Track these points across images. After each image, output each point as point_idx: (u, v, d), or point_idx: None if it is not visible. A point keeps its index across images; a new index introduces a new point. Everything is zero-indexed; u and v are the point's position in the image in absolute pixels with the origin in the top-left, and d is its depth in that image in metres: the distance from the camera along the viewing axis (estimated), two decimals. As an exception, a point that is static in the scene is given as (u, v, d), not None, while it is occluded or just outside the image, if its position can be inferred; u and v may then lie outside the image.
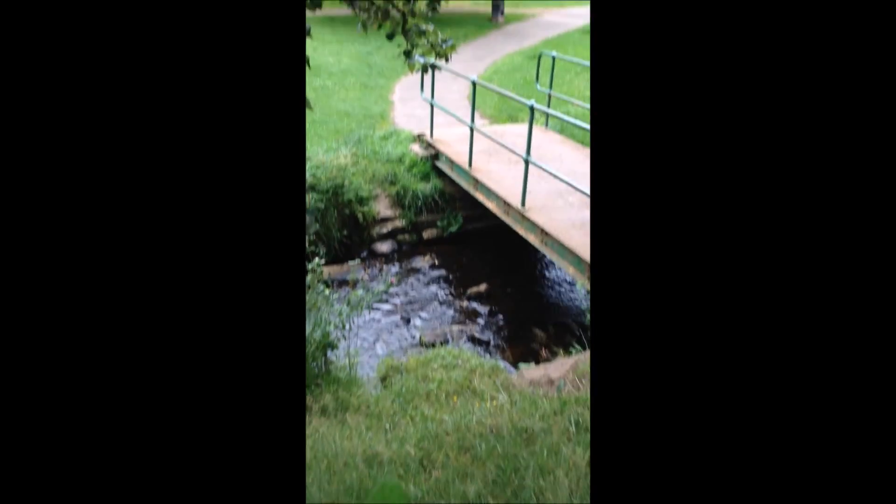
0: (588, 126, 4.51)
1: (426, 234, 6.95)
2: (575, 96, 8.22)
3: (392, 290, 5.98)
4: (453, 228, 6.95)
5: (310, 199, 6.28)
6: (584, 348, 4.29)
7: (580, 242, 4.64)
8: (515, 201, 5.32)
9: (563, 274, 6.29)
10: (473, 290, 6.00)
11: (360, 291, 4.16)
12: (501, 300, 5.92)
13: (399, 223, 6.86)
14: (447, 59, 2.57)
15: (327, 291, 3.99)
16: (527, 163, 5.10)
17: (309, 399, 3.47)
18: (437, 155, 6.92)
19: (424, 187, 6.89)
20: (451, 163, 6.52)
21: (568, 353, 4.32)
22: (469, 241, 6.91)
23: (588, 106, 7.03)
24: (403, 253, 6.78)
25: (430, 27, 2.41)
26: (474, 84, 6.10)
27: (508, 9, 15.32)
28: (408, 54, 2.48)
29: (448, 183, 6.88)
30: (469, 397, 3.55)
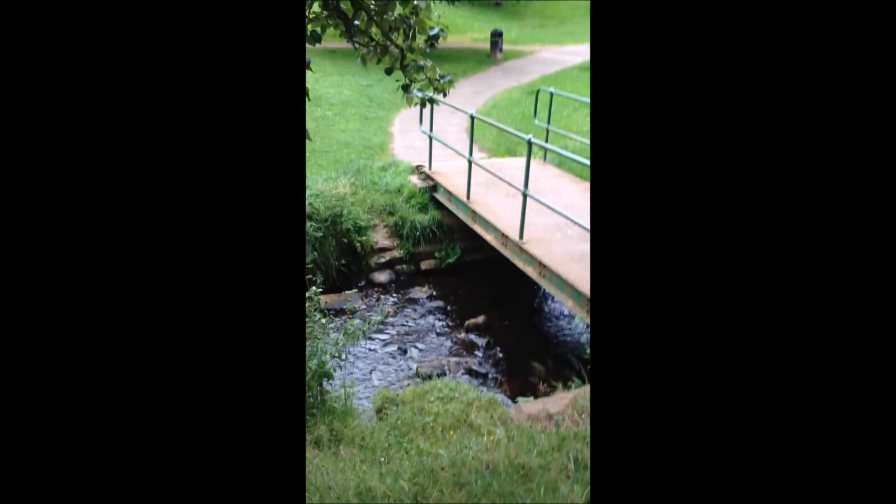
0: (586, 160, 4.56)
1: (424, 265, 6.95)
2: (572, 131, 8.32)
3: (389, 320, 5.94)
4: (451, 259, 6.96)
5: (308, 227, 6.30)
6: (583, 382, 4.24)
7: (579, 275, 4.64)
8: (513, 234, 5.34)
9: (561, 307, 6.27)
10: (471, 321, 5.96)
11: (356, 321, 4.14)
12: (499, 332, 5.89)
13: (397, 253, 6.87)
14: (445, 94, 2.61)
15: (324, 320, 3.97)
16: (525, 195, 5.13)
17: (303, 431, 3.41)
18: (435, 186, 6.98)
19: (423, 218, 6.92)
20: (450, 195, 6.56)
21: (567, 387, 4.27)
22: (467, 272, 6.91)
23: (586, 141, 7.12)
24: (401, 283, 6.76)
25: (429, 63, 2.46)
26: (472, 118, 6.18)
27: (507, 46, 15.65)
28: (406, 88, 2.53)
29: (446, 214, 6.91)
30: (466, 431, 3.49)
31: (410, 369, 5.30)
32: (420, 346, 5.67)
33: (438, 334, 5.87)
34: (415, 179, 7.25)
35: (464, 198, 6.19)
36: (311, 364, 3.71)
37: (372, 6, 2.20)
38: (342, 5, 2.14)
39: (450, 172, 6.93)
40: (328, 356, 3.80)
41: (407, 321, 6.06)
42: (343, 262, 6.59)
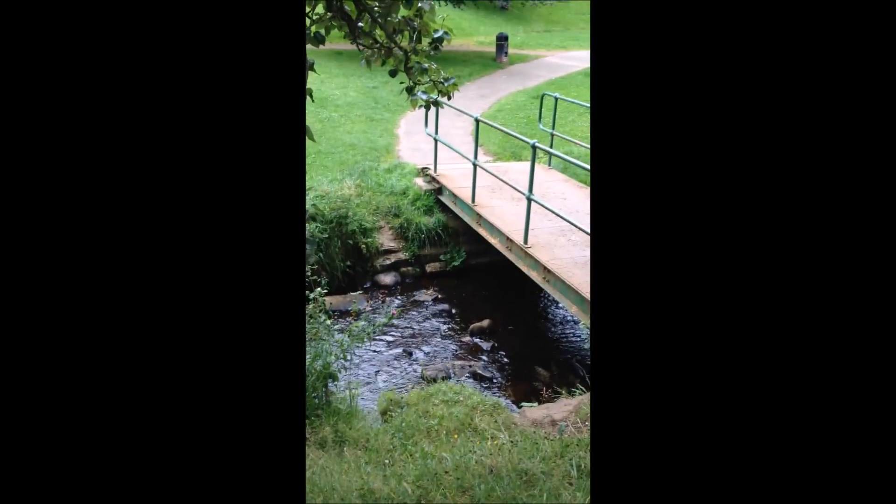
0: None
1: (429, 268, 6.95)
2: (577, 137, 8.32)
3: (394, 322, 5.94)
4: (456, 262, 6.95)
5: (313, 228, 6.31)
6: (587, 389, 4.22)
7: (583, 281, 4.62)
8: (518, 238, 5.33)
9: (565, 312, 6.25)
10: (476, 325, 5.95)
11: (361, 323, 4.14)
12: (504, 336, 5.87)
13: (402, 255, 6.87)
14: (449, 97, 2.61)
15: (329, 322, 3.97)
16: (529, 200, 5.13)
17: (307, 430, 3.41)
18: (440, 189, 6.98)
19: (428, 221, 6.92)
20: (455, 197, 6.57)
21: (571, 393, 4.25)
22: (472, 275, 6.90)
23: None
24: (406, 285, 6.76)
25: (433, 65, 2.46)
26: (477, 121, 6.18)
27: (512, 50, 15.66)
28: (410, 91, 2.53)
29: (451, 217, 6.91)
30: (470, 435, 3.48)
31: (415, 372, 5.29)
32: (425, 348, 5.66)
33: (443, 337, 5.86)
34: (420, 182, 7.25)
35: (469, 201, 6.19)
36: (316, 365, 3.71)
37: (376, 8, 2.20)
38: (346, 7, 2.15)
39: (455, 175, 6.94)
40: (333, 357, 3.80)
41: (412, 324, 6.05)
42: (348, 263, 6.60)
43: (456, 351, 5.65)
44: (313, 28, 2.16)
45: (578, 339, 5.91)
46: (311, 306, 3.97)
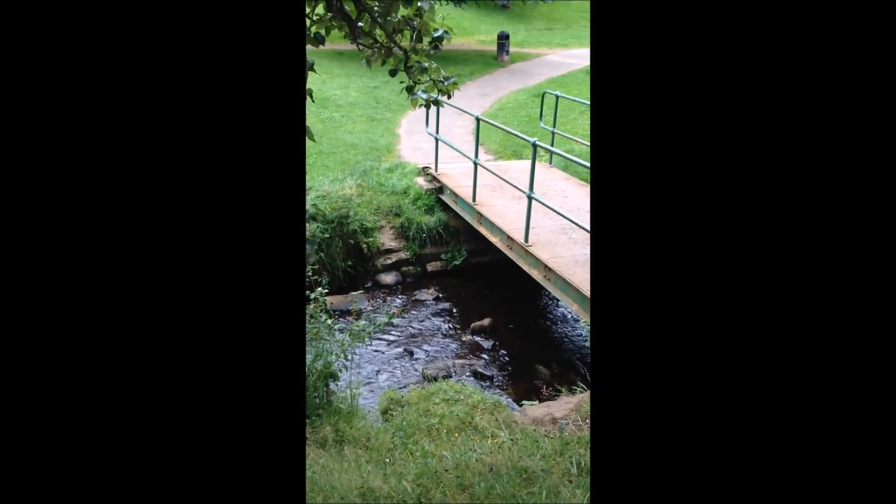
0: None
1: (430, 267, 6.96)
2: (578, 135, 8.31)
3: (395, 321, 5.95)
4: (457, 261, 6.96)
5: (315, 228, 6.32)
6: (587, 388, 4.23)
7: (584, 279, 4.62)
8: (519, 236, 5.33)
9: (566, 310, 6.25)
10: (477, 324, 5.96)
11: (362, 322, 4.14)
12: (505, 335, 5.88)
13: (403, 255, 6.87)
14: (449, 96, 2.61)
15: (330, 321, 3.98)
16: (530, 199, 5.13)
17: (308, 430, 3.42)
18: (441, 188, 6.98)
19: (429, 220, 6.92)
20: (456, 196, 6.57)
21: (571, 391, 4.26)
22: (473, 274, 6.90)
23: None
24: (407, 285, 6.77)
25: (433, 64, 2.46)
26: (478, 120, 6.18)
27: (513, 48, 15.64)
28: (410, 90, 2.53)
29: (452, 216, 6.92)
30: (470, 434, 3.49)
31: (416, 371, 5.30)
32: (426, 347, 5.67)
33: (444, 336, 5.87)
34: (421, 181, 7.26)
35: (470, 200, 6.19)
36: (317, 365, 3.72)
37: (375, 8, 2.20)
38: (346, 7, 2.15)
39: (456, 174, 6.94)
40: (334, 357, 3.81)
41: (413, 323, 6.06)
42: (349, 263, 6.61)
43: (457, 350, 5.66)
44: (313, 28, 2.16)
45: (579, 337, 5.91)
46: (312, 306, 3.98)
